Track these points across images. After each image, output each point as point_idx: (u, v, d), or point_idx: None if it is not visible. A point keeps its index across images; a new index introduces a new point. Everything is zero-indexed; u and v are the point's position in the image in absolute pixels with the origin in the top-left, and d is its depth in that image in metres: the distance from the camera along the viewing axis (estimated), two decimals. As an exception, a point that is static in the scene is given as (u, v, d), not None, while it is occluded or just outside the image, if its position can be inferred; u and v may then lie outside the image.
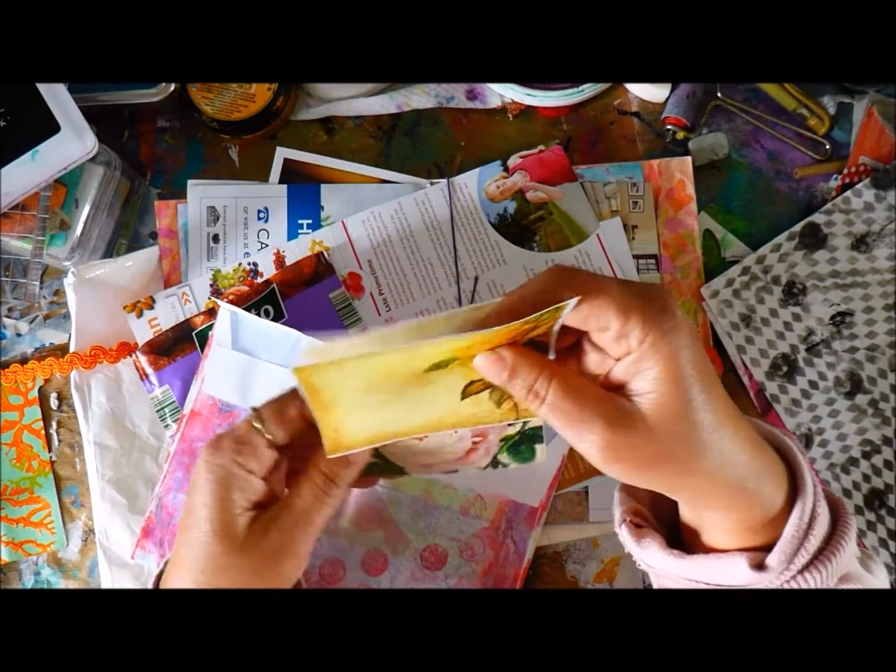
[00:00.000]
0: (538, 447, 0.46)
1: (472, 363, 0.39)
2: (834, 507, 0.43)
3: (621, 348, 0.38)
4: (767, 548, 0.41)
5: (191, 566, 0.45)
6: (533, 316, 0.36)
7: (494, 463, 0.47)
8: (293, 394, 0.47)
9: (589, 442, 0.38)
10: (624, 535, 0.45)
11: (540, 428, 0.44)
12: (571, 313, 0.37)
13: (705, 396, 0.38)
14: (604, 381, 0.40)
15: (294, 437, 0.46)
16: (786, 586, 0.41)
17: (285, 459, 0.47)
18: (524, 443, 0.45)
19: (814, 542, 0.40)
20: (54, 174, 0.56)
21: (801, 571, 0.40)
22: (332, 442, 0.43)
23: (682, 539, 0.45)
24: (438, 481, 0.59)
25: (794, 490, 0.42)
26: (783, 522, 0.41)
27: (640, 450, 0.38)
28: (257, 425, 0.46)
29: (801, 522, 0.40)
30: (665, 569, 0.44)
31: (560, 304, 0.36)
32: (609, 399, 0.38)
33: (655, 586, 0.47)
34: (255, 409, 0.47)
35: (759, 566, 0.41)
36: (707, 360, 0.39)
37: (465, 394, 0.41)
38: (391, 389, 0.40)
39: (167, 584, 0.47)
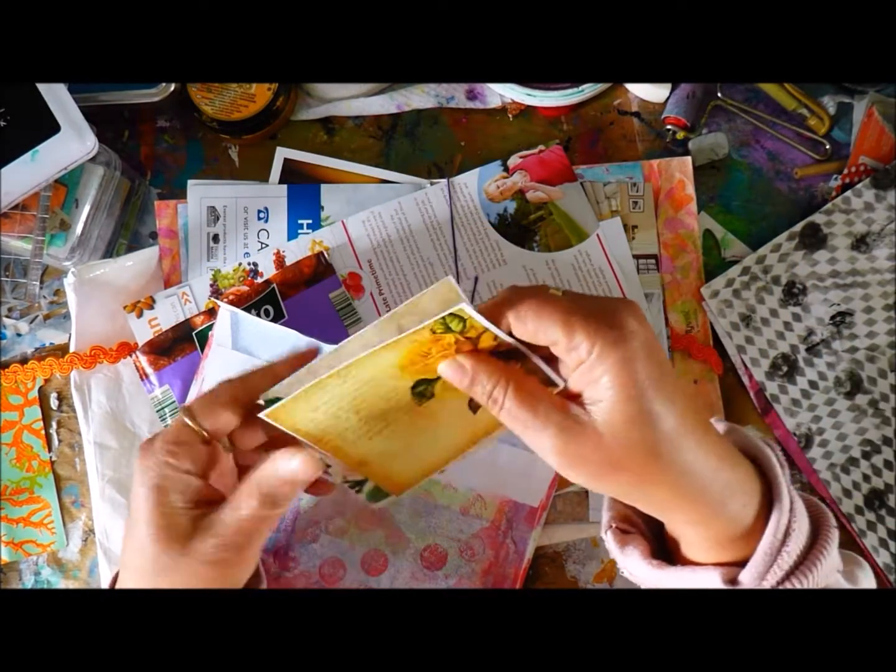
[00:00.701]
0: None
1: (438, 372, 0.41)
2: (816, 519, 0.43)
3: (573, 359, 0.39)
4: (743, 562, 0.41)
5: (135, 568, 0.45)
6: (429, 322, 0.38)
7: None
8: (223, 385, 0.47)
9: (543, 448, 0.39)
10: (608, 541, 0.45)
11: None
12: (522, 328, 0.39)
13: (662, 405, 0.38)
14: (565, 391, 0.41)
15: (228, 428, 0.46)
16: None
17: (228, 455, 0.47)
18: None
19: (787, 559, 0.40)
20: (54, 174, 0.57)
21: (775, 587, 0.40)
22: (389, 483, 0.46)
23: (668, 548, 0.45)
24: (438, 481, 0.59)
25: (769, 504, 0.41)
26: (758, 537, 0.40)
27: (590, 457, 0.39)
28: (189, 422, 0.45)
29: (775, 539, 0.40)
30: (646, 578, 0.44)
31: (449, 312, 0.38)
32: (562, 406, 0.39)
33: None
34: (185, 407, 0.46)
35: (733, 581, 0.40)
36: (666, 369, 0.39)
37: (473, 406, 0.43)
38: (398, 430, 0.43)
39: (119, 586, 0.47)
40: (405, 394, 0.42)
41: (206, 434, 0.45)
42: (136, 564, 0.45)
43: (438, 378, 0.41)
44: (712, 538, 0.41)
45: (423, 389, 0.42)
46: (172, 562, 0.43)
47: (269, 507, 0.44)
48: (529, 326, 0.39)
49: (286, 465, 0.44)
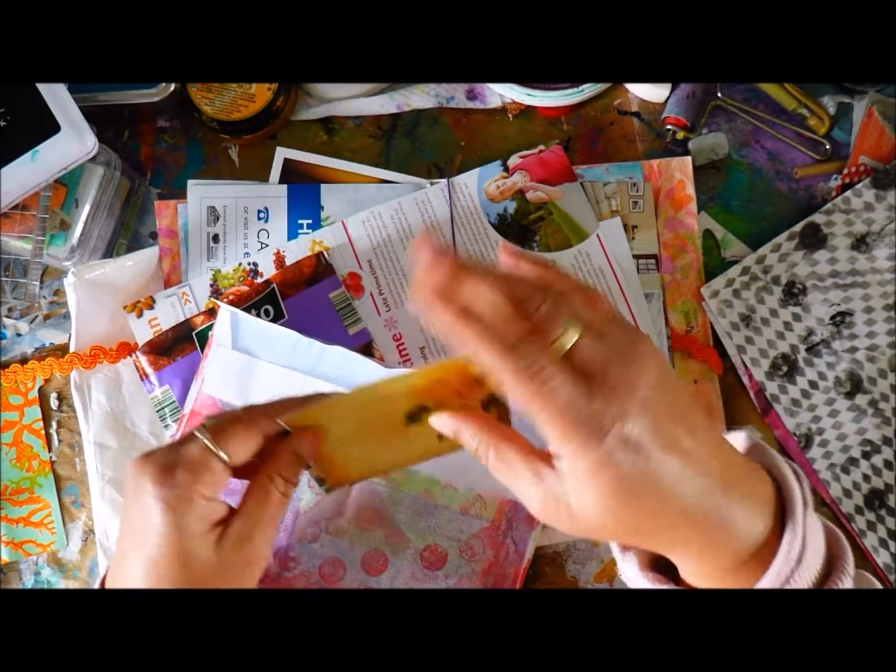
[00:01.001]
0: None
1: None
2: (831, 545, 0.40)
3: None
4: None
5: (140, 581, 0.44)
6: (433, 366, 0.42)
7: None
8: (246, 410, 0.47)
9: (528, 508, 0.39)
10: (612, 544, 0.44)
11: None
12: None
13: (659, 467, 0.35)
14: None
15: (248, 454, 0.46)
16: None
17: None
18: None
19: (797, 585, 0.38)
20: (54, 174, 0.57)
21: None
22: (329, 473, 0.47)
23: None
24: (438, 481, 0.59)
25: (782, 525, 0.39)
26: (767, 563, 0.38)
27: (569, 525, 0.38)
28: (212, 448, 0.44)
29: (785, 566, 0.38)
30: (641, 587, 0.43)
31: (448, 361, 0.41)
32: (536, 475, 0.38)
33: None
34: (208, 429, 0.45)
35: None
36: (677, 406, 0.36)
37: (441, 437, 0.45)
38: (380, 439, 0.46)
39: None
40: (398, 413, 0.44)
41: (227, 461, 0.44)
42: (144, 579, 0.44)
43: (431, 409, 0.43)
44: (716, 568, 0.39)
45: (417, 414, 0.44)
46: (194, 581, 0.44)
47: (287, 489, 0.46)
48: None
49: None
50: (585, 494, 0.36)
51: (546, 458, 0.38)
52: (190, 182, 0.64)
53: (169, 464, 0.44)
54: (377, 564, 0.59)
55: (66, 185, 0.61)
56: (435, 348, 0.61)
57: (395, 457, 0.47)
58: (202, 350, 0.61)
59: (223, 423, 0.45)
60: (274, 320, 0.61)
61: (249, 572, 0.46)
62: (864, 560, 0.59)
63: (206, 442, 0.44)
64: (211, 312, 0.62)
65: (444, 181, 0.63)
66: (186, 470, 0.43)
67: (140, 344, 0.62)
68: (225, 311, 0.60)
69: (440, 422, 0.41)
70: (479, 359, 0.36)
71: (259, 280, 0.63)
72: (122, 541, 0.46)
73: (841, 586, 0.39)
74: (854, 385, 0.60)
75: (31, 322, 0.65)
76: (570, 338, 0.36)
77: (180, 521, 0.43)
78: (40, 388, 0.64)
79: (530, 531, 0.59)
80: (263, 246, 0.64)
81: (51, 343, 0.65)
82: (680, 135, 0.64)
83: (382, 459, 0.47)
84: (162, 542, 0.43)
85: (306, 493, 0.59)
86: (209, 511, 0.44)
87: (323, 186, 0.64)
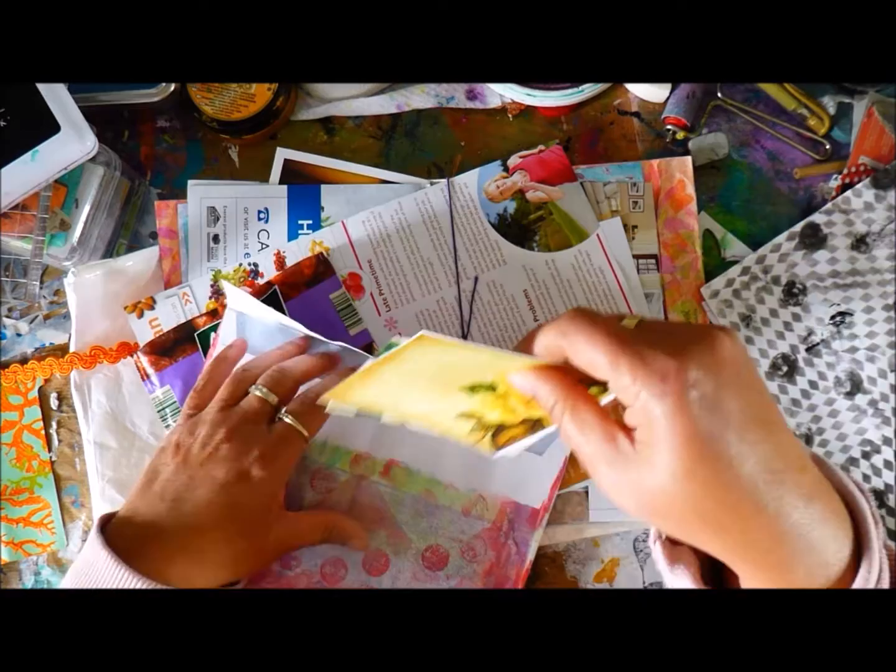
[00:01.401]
0: None
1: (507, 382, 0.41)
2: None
3: (626, 398, 0.36)
4: None
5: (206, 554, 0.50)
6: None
7: None
8: (317, 388, 0.55)
9: (591, 473, 0.38)
10: (657, 553, 0.42)
11: None
12: (576, 359, 0.37)
13: (740, 448, 0.34)
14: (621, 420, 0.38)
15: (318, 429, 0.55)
16: None
17: None
18: None
19: None
20: (54, 174, 0.56)
21: None
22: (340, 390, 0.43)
23: (719, 564, 0.41)
24: (440, 481, 0.59)
25: (857, 554, 0.37)
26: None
27: (633, 499, 0.37)
28: (300, 428, 0.53)
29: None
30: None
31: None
32: (611, 439, 0.37)
33: None
34: (298, 412, 0.54)
35: None
36: (753, 406, 0.35)
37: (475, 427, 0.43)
38: (421, 384, 0.42)
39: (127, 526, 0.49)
40: (456, 385, 0.42)
41: (307, 437, 0.53)
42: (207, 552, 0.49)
43: (494, 387, 0.41)
44: (784, 586, 0.37)
45: (476, 387, 0.42)
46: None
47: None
48: (582, 359, 0.37)
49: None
50: (658, 447, 0.35)
51: (624, 427, 0.37)
52: (190, 182, 0.64)
53: (258, 442, 0.52)
54: (378, 564, 0.59)
55: (66, 185, 0.61)
56: (435, 348, 0.61)
57: (420, 408, 0.43)
58: (204, 351, 0.61)
59: (304, 403, 0.54)
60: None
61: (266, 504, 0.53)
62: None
63: (294, 423, 0.53)
64: (213, 313, 0.62)
65: (444, 181, 0.63)
66: (286, 447, 0.53)
67: (141, 344, 0.62)
68: (231, 311, 0.60)
69: (520, 378, 0.40)
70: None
71: (260, 280, 0.63)
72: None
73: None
74: (854, 385, 0.60)
75: (31, 322, 0.65)
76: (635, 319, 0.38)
77: (277, 497, 0.54)
78: (40, 388, 0.64)
79: (532, 532, 0.59)
80: (264, 246, 0.64)
81: (51, 343, 0.65)
82: (680, 135, 0.64)
83: (406, 401, 0.44)
84: (260, 502, 0.52)
85: (308, 492, 0.59)
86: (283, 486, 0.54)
87: (323, 187, 0.64)
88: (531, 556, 0.59)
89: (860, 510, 0.38)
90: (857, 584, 0.36)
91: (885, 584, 0.37)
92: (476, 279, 0.62)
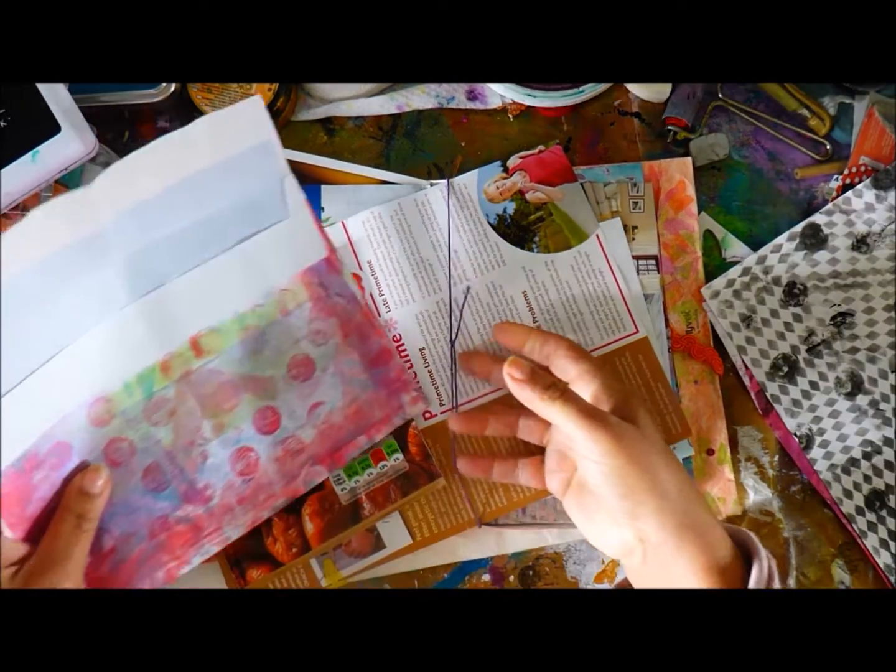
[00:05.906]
0: None
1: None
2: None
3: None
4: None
5: None
6: None
7: None
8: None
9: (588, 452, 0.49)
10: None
11: None
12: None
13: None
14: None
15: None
16: None
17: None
18: None
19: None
20: (54, 174, 0.57)
21: None
22: None
23: None
24: (243, 312, 0.56)
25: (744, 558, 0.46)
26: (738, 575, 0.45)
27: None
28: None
29: (761, 576, 0.44)
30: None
31: None
32: (606, 421, 0.50)
33: None
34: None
35: None
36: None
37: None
38: None
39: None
40: None
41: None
42: None
43: None
44: (700, 565, 0.45)
45: None
46: None
47: (80, 523, 0.51)
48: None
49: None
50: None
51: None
52: (190, 182, 0.64)
53: None
54: (272, 419, 0.57)
55: (67, 185, 0.61)
56: (435, 349, 0.61)
57: None
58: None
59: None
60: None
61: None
62: (864, 561, 0.59)
63: None
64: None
65: (443, 182, 0.63)
66: None
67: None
68: None
69: (511, 368, 0.51)
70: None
71: (259, 280, 0.62)
72: None
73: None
74: (855, 385, 0.60)
75: (32, 322, 0.65)
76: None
77: None
78: (40, 388, 0.64)
79: (339, 277, 0.58)
80: (263, 246, 0.63)
81: (51, 343, 0.65)
82: (680, 135, 0.64)
83: None
84: None
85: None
86: (9, 552, 0.50)
87: (323, 187, 0.64)
88: (358, 293, 0.59)
89: (756, 547, 0.47)
90: (754, 569, 0.44)
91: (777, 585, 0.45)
92: (468, 288, 0.61)
